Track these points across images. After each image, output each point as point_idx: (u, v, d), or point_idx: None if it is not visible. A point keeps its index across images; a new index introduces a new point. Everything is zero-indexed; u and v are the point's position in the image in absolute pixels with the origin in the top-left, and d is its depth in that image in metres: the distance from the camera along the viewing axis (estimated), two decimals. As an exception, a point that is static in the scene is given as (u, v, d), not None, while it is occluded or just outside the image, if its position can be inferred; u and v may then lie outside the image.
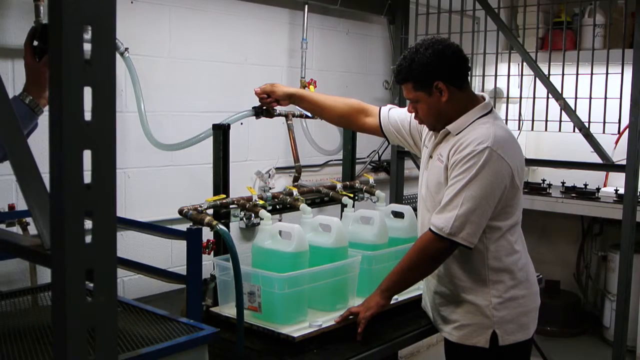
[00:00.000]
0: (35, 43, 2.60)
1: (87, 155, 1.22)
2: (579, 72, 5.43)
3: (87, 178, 1.23)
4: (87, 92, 1.20)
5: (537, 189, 6.73)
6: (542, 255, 6.83)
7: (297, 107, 3.82)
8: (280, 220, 4.07)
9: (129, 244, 4.00)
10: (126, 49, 3.86)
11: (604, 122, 5.27)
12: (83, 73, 1.20)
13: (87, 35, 1.20)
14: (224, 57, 4.60)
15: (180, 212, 3.24)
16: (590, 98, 5.40)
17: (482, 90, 6.09)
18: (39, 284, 3.49)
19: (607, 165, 5.28)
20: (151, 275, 3.22)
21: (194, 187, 4.28)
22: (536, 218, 7.02)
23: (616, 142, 6.09)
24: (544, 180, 6.92)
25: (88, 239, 1.26)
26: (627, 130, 5.01)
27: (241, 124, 4.32)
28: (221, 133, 3.50)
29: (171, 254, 4.27)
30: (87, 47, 1.20)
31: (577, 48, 5.90)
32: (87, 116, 1.21)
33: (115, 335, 1.38)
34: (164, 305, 3.27)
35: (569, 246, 7.56)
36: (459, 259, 3.22)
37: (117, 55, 3.69)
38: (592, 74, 5.42)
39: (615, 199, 6.36)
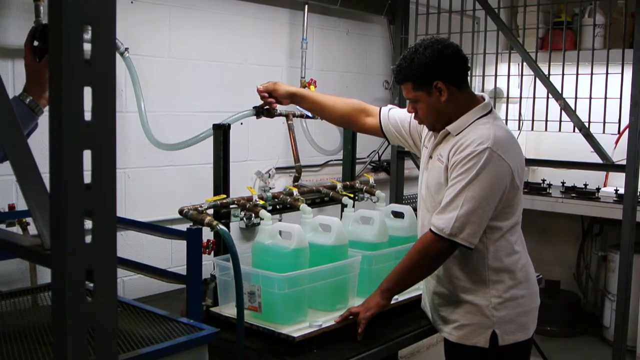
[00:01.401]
0: (36, 43, 2.60)
1: (87, 155, 1.22)
2: (579, 72, 5.44)
3: (87, 178, 1.22)
4: (87, 92, 1.20)
5: (537, 189, 6.74)
6: (542, 255, 6.83)
7: (297, 107, 3.82)
8: (280, 221, 4.07)
9: (129, 244, 4.01)
10: (126, 49, 3.87)
11: (604, 122, 5.28)
12: (83, 73, 1.20)
13: (87, 35, 1.20)
14: (224, 57, 4.62)
15: (181, 212, 3.24)
16: (590, 98, 5.41)
17: (482, 91, 6.11)
18: (39, 284, 3.50)
19: (607, 165, 5.28)
20: (151, 275, 3.22)
21: (194, 187, 4.29)
22: (536, 218, 7.02)
23: (616, 142, 6.09)
24: (543, 180, 6.93)
25: (88, 239, 1.26)
26: (627, 131, 5.02)
27: (241, 124, 4.30)
28: (221, 133, 3.50)
29: (171, 254, 4.27)
30: (87, 47, 1.19)
31: (577, 48, 5.90)
32: (87, 116, 1.21)
33: (115, 335, 1.39)
34: (164, 305, 3.28)
35: (569, 246, 7.59)
36: (459, 259, 3.23)
37: (117, 55, 3.69)
38: (592, 74, 5.43)
39: (615, 199, 6.38)
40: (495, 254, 3.20)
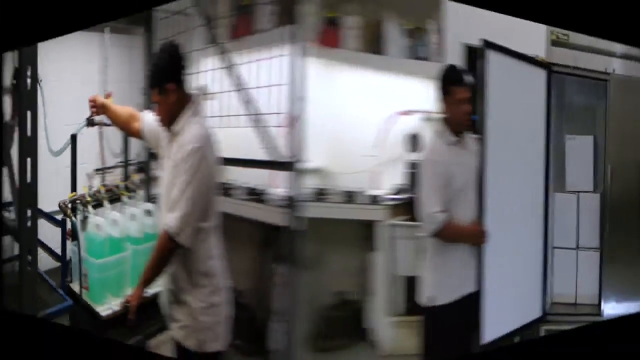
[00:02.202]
0: None
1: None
2: (257, 59, 5.08)
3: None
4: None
5: (222, 190, 4.98)
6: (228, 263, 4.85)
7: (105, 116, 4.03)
8: (108, 213, 4.65)
9: (45, 230, 4.48)
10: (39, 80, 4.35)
11: (270, 114, 4.80)
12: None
13: None
14: (75, 79, 5.25)
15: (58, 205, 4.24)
16: (255, 87, 5.00)
17: (195, 88, 5.04)
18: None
19: (271, 163, 4.74)
20: (48, 254, 4.25)
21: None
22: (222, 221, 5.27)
23: (283, 136, 4.84)
24: (230, 181, 5.46)
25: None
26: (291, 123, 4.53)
27: (81, 133, 4.74)
28: (71, 141, 4.41)
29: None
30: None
31: (251, 32, 5.29)
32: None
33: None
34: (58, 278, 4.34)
35: (249, 254, 5.68)
36: (180, 259, 3.29)
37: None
38: (259, 60, 5.07)
39: (284, 202, 4.77)
40: (200, 256, 3.30)
